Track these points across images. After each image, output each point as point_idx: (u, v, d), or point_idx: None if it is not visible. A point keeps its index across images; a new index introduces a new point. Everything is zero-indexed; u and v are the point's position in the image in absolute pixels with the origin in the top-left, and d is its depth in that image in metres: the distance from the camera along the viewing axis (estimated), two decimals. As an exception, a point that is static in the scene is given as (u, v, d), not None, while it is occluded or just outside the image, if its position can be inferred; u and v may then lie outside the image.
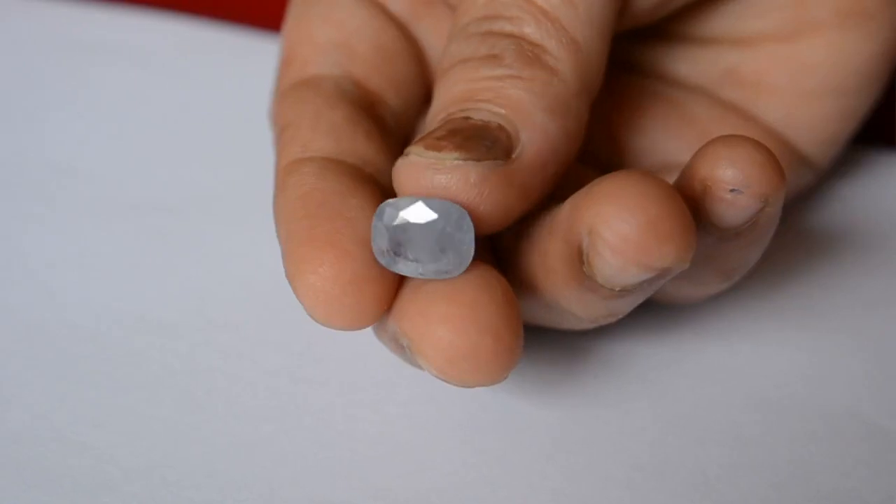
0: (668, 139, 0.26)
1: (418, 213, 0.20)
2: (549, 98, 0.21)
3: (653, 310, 0.26)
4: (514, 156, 0.21)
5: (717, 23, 0.27)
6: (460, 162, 0.20)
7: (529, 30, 0.22)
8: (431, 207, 0.20)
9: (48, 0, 0.37)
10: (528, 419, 0.25)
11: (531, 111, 0.21)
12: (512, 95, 0.21)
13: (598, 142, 0.26)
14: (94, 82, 0.35)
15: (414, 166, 0.21)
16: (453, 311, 0.20)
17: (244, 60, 0.35)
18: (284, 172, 0.23)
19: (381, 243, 0.21)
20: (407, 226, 0.20)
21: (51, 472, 0.24)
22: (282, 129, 0.24)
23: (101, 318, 0.28)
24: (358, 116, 0.24)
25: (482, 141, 0.21)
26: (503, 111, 0.21)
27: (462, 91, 0.22)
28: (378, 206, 0.21)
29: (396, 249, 0.21)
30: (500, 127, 0.21)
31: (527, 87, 0.21)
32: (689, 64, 0.27)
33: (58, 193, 0.31)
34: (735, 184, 0.20)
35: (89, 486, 0.24)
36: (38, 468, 0.24)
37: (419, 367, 0.21)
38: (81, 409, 0.25)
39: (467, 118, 0.21)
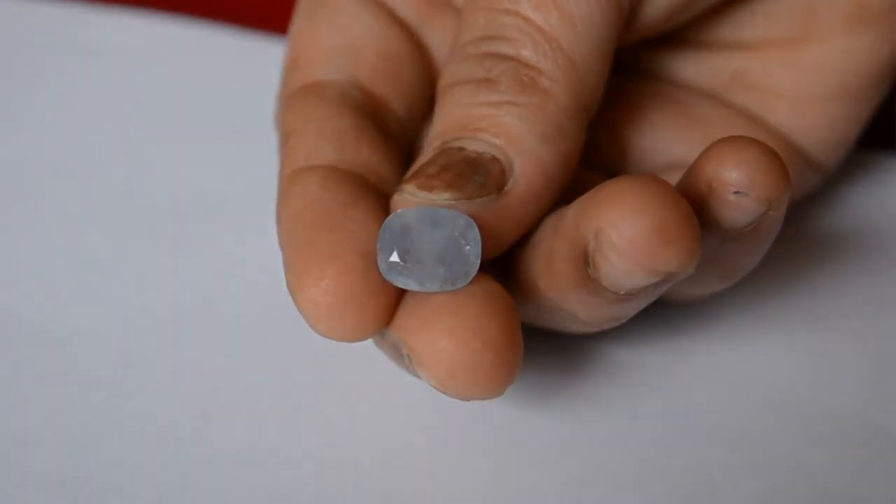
0: (673, 139, 0.26)
1: (426, 222, 0.21)
2: (543, 124, 0.22)
3: (658, 312, 0.26)
4: (506, 188, 0.21)
5: (725, 28, 0.27)
6: (451, 202, 0.21)
7: (526, 52, 0.22)
8: (439, 217, 0.21)
9: (51, 2, 0.37)
10: (533, 422, 0.25)
11: (525, 139, 0.21)
12: (506, 123, 0.21)
13: (602, 143, 0.26)
14: (96, 85, 0.35)
15: (407, 205, 0.21)
16: (456, 324, 0.20)
17: (249, 63, 0.35)
18: (288, 181, 0.23)
19: (386, 254, 0.21)
20: (414, 235, 0.20)
21: (55, 474, 0.24)
22: (286, 136, 0.24)
23: (104, 320, 0.27)
24: (363, 124, 0.24)
25: (474, 176, 0.21)
26: (497, 141, 0.21)
27: (458, 118, 0.22)
28: (381, 215, 0.22)
29: (402, 258, 0.20)
30: (494, 159, 0.21)
31: (521, 114, 0.21)
32: (695, 68, 0.27)
33: (60, 196, 0.31)
34: (740, 186, 0.20)
35: (94, 489, 0.24)
36: (42, 471, 0.24)
37: (418, 376, 0.21)
38: (84, 412, 0.25)
39: (462, 149, 0.21)
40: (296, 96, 0.25)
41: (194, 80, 0.35)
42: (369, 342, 0.23)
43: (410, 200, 0.21)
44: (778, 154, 0.20)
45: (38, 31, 0.37)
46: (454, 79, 0.22)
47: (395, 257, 0.20)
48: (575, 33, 0.22)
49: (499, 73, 0.22)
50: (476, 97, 0.22)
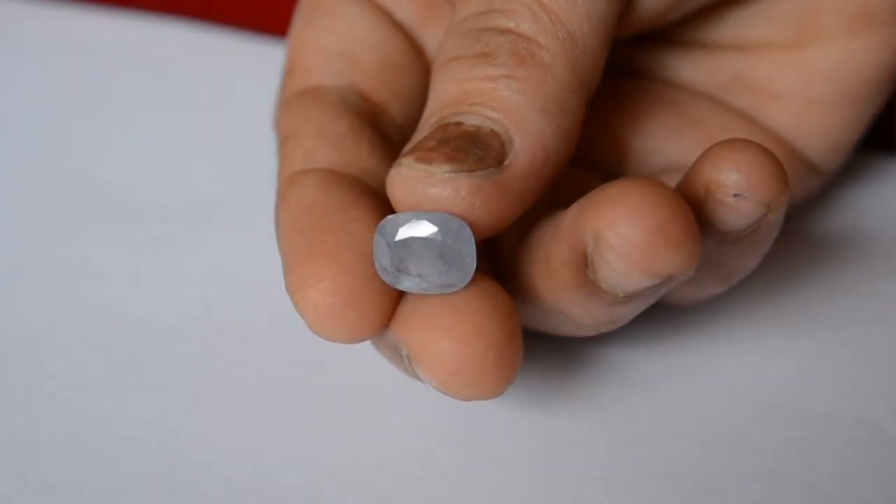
0: (672, 141, 0.26)
1: (419, 228, 0.20)
2: (542, 98, 0.21)
3: (657, 315, 0.26)
4: (506, 162, 0.21)
5: (725, 29, 0.26)
6: (451, 174, 0.20)
7: (525, 24, 0.22)
8: (431, 221, 0.20)
9: (53, 5, 0.37)
10: (533, 426, 0.25)
11: (524, 114, 0.21)
12: (504, 98, 0.21)
13: (601, 145, 0.26)
14: (98, 88, 0.35)
15: (406, 179, 0.21)
16: (458, 324, 0.20)
17: (250, 66, 0.35)
18: (286, 183, 0.23)
19: (383, 260, 0.21)
20: (408, 241, 0.20)
21: (56, 477, 0.24)
22: (284, 139, 0.24)
23: (105, 323, 0.27)
24: (361, 127, 0.24)
25: (473, 149, 0.21)
26: (496, 115, 0.21)
27: (454, 92, 0.22)
28: (380, 218, 0.21)
29: (399, 265, 0.20)
30: (493, 132, 0.21)
31: (520, 87, 0.21)
32: (695, 69, 0.27)
33: (62, 199, 0.31)
34: (738, 189, 0.20)
35: (95, 492, 0.24)
36: (43, 474, 0.24)
37: (418, 378, 0.21)
38: (86, 414, 0.25)
39: (459, 123, 0.21)
40: (294, 100, 0.25)
41: (194, 83, 0.35)
42: (368, 346, 0.23)
43: (408, 174, 0.21)
44: (777, 157, 0.20)
45: (38, 33, 0.37)
46: (450, 54, 0.22)
47: (391, 261, 0.20)
48: (575, 8, 0.22)
49: (496, 47, 0.21)
50: (472, 71, 0.21)
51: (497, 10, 0.22)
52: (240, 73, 0.35)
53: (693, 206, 0.20)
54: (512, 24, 0.22)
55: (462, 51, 0.22)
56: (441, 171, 0.20)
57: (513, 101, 0.21)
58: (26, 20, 0.37)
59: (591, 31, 0.22)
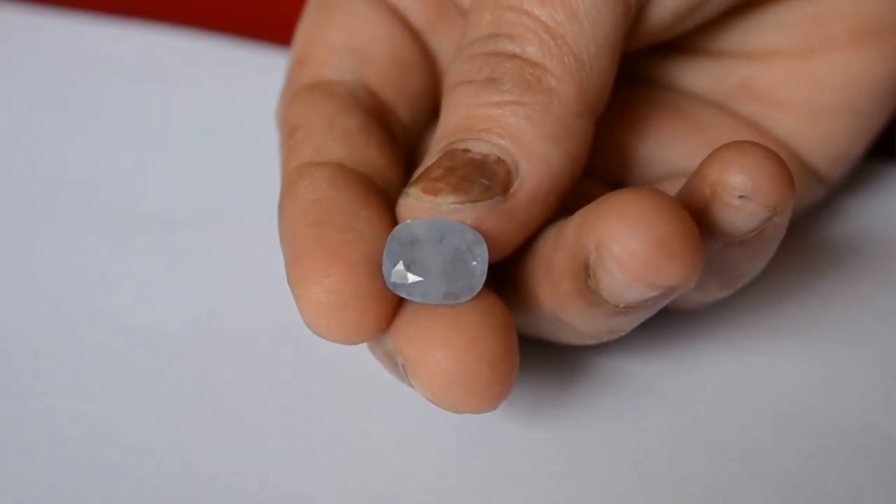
0: (677, 147, 0.26)
1: (435, 234, 0.20)
2: (549, 124, 0.21)
3: (662, 322, 0.26)
4: (512, 190, 0.21)
5: (732, 37, 0.26)
6: (457, 206, 0.21)
7: (532, 49, 0.22)
8: (448, 230, 0.20)
9: (54, 14, 0.37)
10: (540, 435, 0.25)
11: (531, 140, 0.21)
12: (511, 124, 0.21)
13: (605, 151, 0.26)
14: (99, 96, 0.35)
15: (412, 210, 0.21)
16: (455, 337, 0.20)
17: (251, 73, 0.35)
18: (295, 174, 0.23)
19: (393, 265, 0.20)
20: (422, 247, 0.20)
21: (61, 487, 0.24)
22: (292, 130, 0.24)
23: (109, 333, 0.27)
24: (370, 125, 0.24)
25: (479, 178, 0.21)
26: (502, 142, 0.21)
27: (462, 118, 0.22)
28: (388, 218, 0.21)
29: (408, 269, 0.20)
30: (499, 160, 0.21)
31: (526, 114, 0.21)
32: (701, 76, 0.27)
33: (65, 208, 0.31)
34: (744, 190, 0.20)
35: (100, 502, 0.24)
36: (48, 484, 0.24)
37: (411, 386, 0.21)
38: (91, 424, 0.25)
39: (466, 150, 0.21)
40: (303, 92, 0.25)
41: (196, 91, 0.35)
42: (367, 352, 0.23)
43: (415, 205, 0.21)
44: (783, 160, 0.20)
45: (40, 41, 0.37)
46: (459, 78, 0.22)
47: (401, 268, 0.20)
48: (581, 30, 0.22)
49: (503, 72, 0.22)
50: (480, 97, 0.22)
51: (504, 35, 0.22)
52: (240, 80, 0.35)
53: (698, 209, 0.20)
54: (518, 49, 0.22)
55: (470, 75, 0.22)
56: (447, 202, 0.21)
57: (519, 127, 0.21)
58: (25, 28, 0.37)
59: (597, 52, 0.22)
